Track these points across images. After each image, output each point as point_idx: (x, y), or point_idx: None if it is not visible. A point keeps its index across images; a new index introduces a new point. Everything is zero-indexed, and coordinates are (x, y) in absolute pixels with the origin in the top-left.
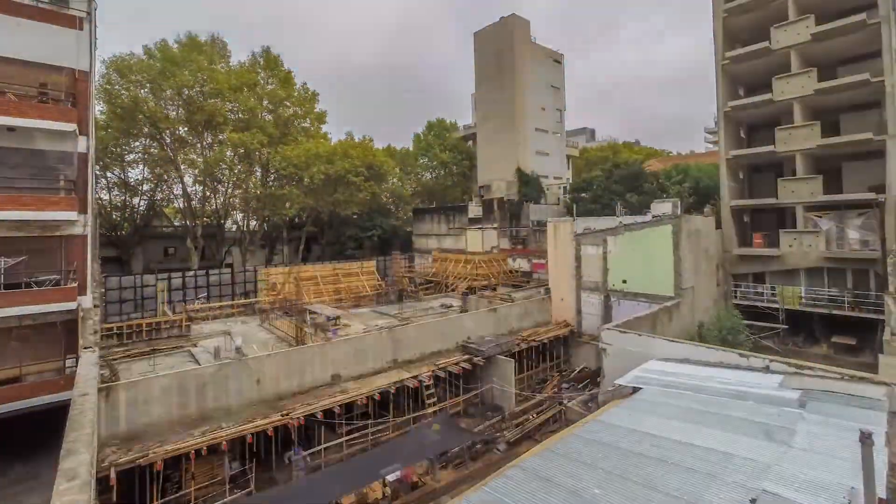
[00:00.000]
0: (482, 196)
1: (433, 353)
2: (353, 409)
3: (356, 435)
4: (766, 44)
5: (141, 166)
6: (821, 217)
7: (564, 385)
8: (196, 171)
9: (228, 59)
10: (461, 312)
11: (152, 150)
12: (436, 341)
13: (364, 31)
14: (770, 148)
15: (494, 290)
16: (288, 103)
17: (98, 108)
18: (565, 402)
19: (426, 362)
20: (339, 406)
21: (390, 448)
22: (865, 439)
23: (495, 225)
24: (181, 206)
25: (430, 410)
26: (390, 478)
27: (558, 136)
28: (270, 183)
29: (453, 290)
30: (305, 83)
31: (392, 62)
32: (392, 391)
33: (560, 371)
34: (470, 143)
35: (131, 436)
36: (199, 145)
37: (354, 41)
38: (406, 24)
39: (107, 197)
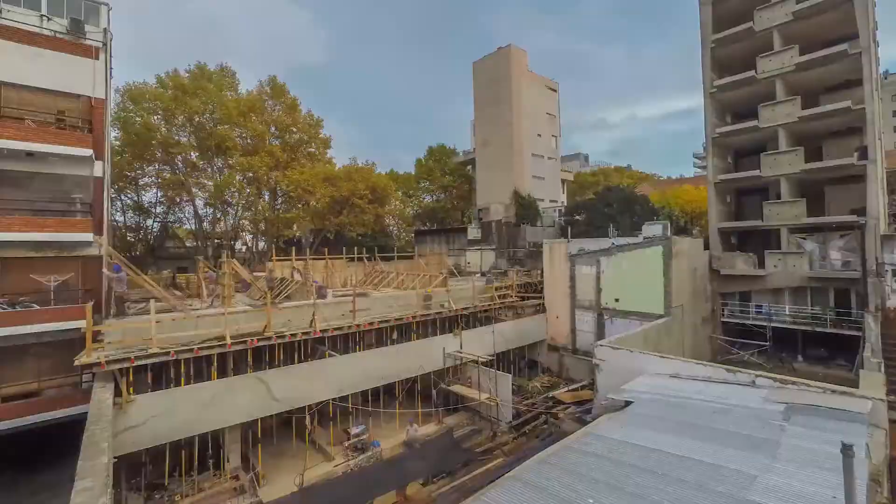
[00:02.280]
0: (481, 218)
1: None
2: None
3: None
4: (752, 73)
5: (154, 189)
6: (804, 238)
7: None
8: (207, 194)
9: (237, 87)
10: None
11: (165, 174)
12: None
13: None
14: (756, 172)
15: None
16: (294, 129)
17: (113, 134)
18: (560, 414)
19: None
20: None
21: (388, 467)
22: (847, 451)
23: (493, 246)
24: (193, 227)
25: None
26: None
27: (553, 161)
28: (278, 206)
29: None
30: (310, 110)
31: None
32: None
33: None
34: (469, 167)
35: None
36: (209, 169)
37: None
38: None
39: (121, 219)
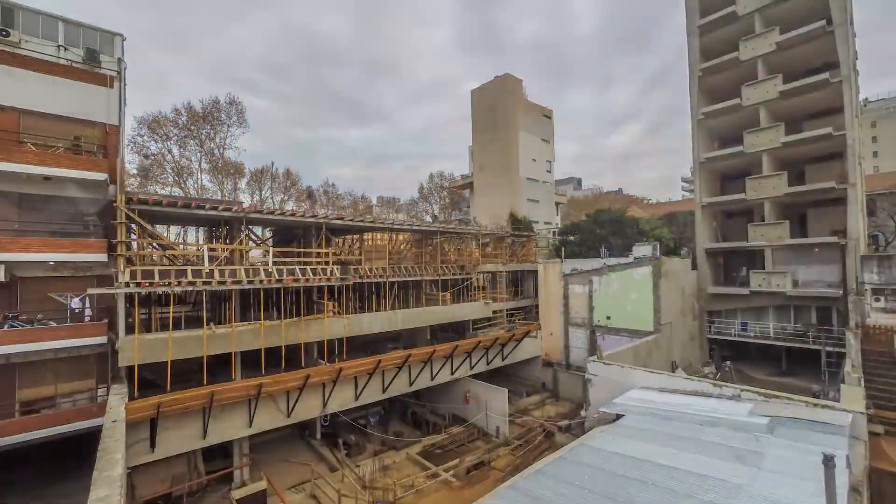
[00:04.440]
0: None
1: None
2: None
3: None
4: (737, 101)
5: None
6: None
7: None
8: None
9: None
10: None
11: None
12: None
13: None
14: (741, 196)
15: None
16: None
17: (128, 159)
18: (554, 427)
19: None
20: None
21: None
22: (828, 462)
23: None
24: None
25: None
26: None
27: (548, 184)
28: None
29: None
30: None
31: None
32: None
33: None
34: (467, 190)
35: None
36: (219, 192)
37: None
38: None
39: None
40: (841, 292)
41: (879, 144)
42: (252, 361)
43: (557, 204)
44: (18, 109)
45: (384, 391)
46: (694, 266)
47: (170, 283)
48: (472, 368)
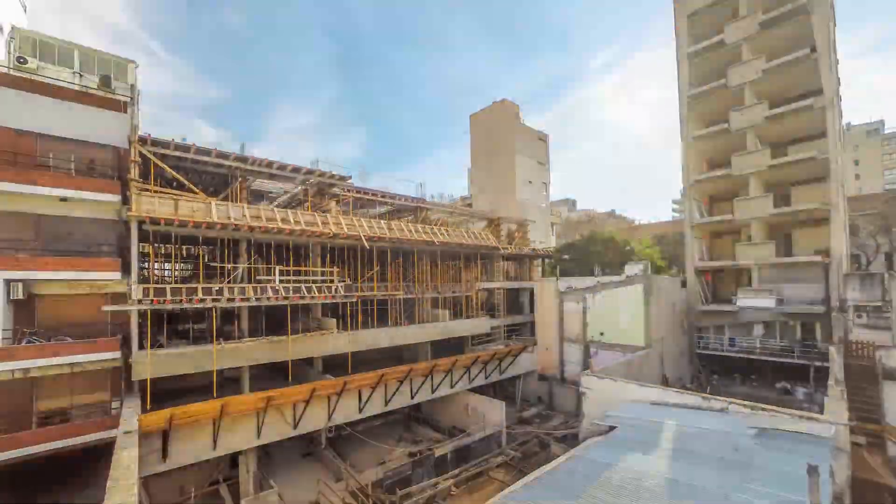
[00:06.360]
0: None
1: None
2: None
3: None
4: (726, 125)
5: None
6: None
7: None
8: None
9: None
10: None
11: None
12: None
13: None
14: (729, 216)
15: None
16: None
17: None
18: (550, 439)
19: None
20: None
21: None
22: (812, 472)
23: None
24: None
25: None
26: None
27: (543, 206)
28: None
29: None
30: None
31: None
32: None
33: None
34: None
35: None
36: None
37: None
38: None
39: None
40: (825, 309)
41: (861, 167)
42: (260, 375)
43: (553, 225)
44: (36, 133)
45: (386, 404)
46: (684, 284)
47: (181, 301)
48: (471, 382)
